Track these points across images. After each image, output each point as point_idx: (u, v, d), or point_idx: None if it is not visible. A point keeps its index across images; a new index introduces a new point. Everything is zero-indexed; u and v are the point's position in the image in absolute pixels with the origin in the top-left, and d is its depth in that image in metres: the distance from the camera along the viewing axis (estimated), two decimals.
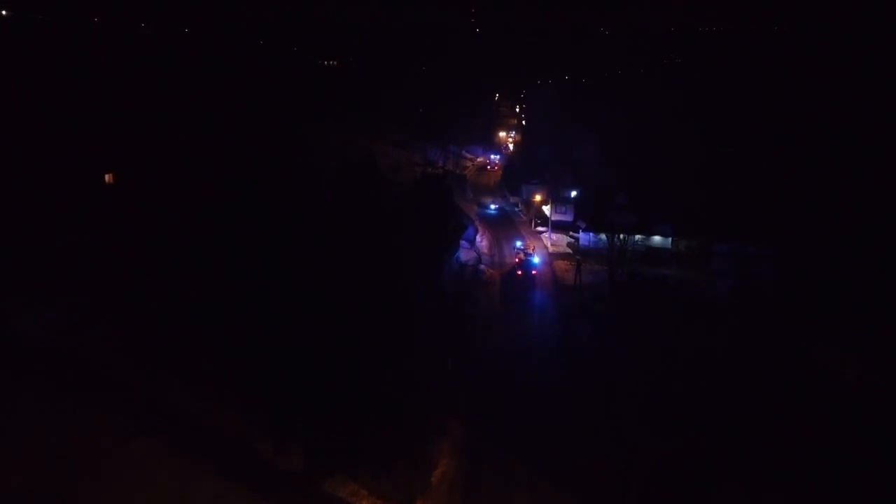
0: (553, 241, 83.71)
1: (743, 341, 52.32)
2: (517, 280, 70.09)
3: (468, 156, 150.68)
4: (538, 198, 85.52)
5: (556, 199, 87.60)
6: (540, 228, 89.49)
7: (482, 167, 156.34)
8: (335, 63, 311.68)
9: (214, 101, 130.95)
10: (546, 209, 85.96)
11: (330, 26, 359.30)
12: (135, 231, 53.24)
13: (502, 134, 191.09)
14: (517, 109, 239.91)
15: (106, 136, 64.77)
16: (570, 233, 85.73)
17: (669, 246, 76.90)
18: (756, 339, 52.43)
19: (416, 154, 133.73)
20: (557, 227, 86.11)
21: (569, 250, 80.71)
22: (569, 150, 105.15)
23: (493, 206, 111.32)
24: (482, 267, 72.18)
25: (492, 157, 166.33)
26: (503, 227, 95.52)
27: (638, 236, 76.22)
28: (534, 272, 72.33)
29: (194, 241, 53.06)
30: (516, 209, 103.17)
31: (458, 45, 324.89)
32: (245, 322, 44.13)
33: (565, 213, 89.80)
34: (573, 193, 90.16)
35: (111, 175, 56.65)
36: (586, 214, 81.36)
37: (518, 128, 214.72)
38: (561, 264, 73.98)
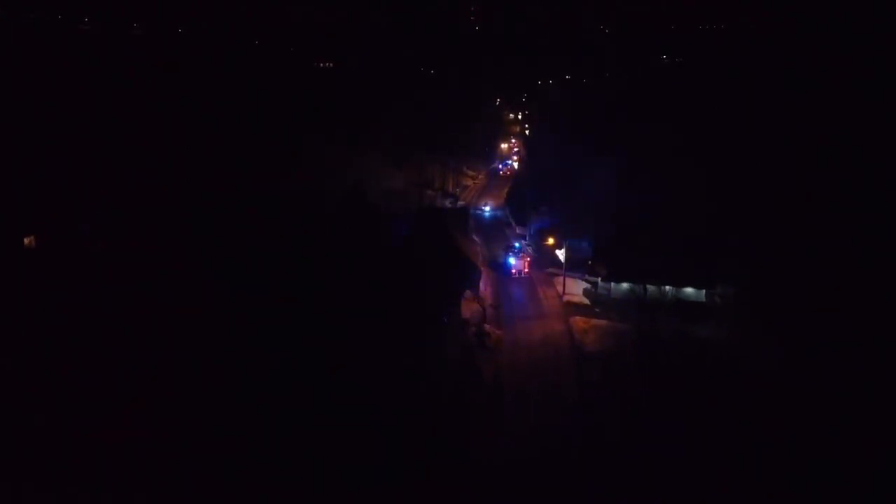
0: (567, 287, 73.18)
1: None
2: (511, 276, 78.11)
3: (469, 172, 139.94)
4: (550, 241, 75.14)
5: (569, 237, 77.03)
6: (551, 270, 79.08)
7: (494, 173, 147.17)
8: (331, 65, 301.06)
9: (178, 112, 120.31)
10: (560, 253, 75.47)
11: (325, 27, 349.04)
12: (59, 311, 43.36)
13: (504, 146, 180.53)
14: (519, 116, 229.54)
15: (24, 184, 54.84)
16: (587, 276, 75.33)
17: (703, 298, 66.56)
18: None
19: (412, 171, 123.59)
20: (572, 268, 75.65)
21: (585, 300, 70.24)
22: (580, 171, 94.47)
23: (487, 209, 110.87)
24: (487, 328, 61.75)
25: (508, 162, 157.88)
26: (498, 237, 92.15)
27: (668, 287, 65.91)
28: (526, 271, 78.38)
29: (129, 324, 43.25)
30: (524, 241, 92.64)
31: (456, 45, 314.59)
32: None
33: (580, 249, 79.54)
34: (589, 227, 79.97)
35: (32, 238, 46.21)
36: (605, 257, 70.98)
37: (521, 135, 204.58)
38: (579, 322, 63.48)
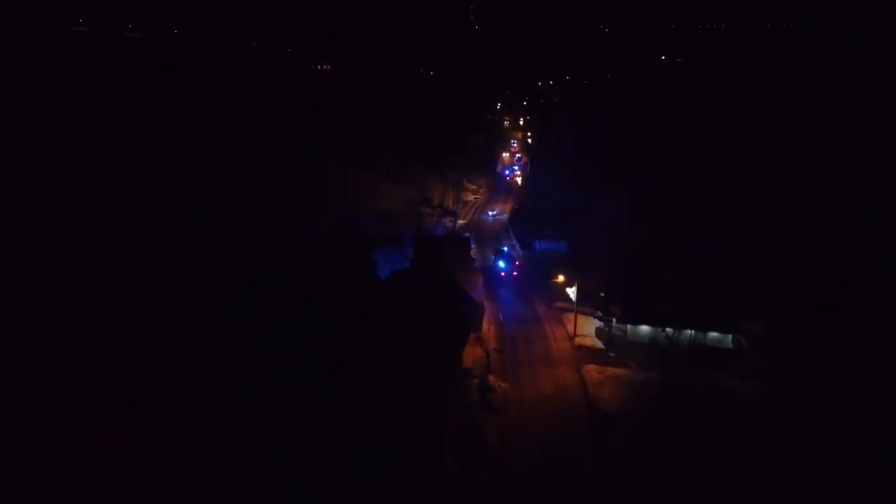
0: (578, 325, 67.12)
1: None
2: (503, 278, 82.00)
3: (470, 185, 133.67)
4: (560, 278, 69.12)
5: (579, 270, 71.02)
6: (560, 304, 73.14)
7: (499, 179, 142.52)
8: (328, 67, 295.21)
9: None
10: (571, 292, 69.52)
11: (322, 27, 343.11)
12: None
13: (506, 154, 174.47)
14: (521, 122, 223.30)
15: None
16: (599, 312, 69.31)
17: (730, 343, 60.58)
18: None
19: (410, 188, 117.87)
20: (581, 299, 69.61)
21: (598, 343, 64.16)
22: (589, 197, 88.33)
23: (491, 213, 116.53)
24: (491, 380, 55.71)
25: (514, 168, 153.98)
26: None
27: (690, 331, 59.99)
28: (514, 273, 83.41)
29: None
30: (513, 245, 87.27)
31: (456, 45, 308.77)
32: None
33: (590, 279, 73.59)
34: (599, 259, 73.94)
35: None
36: (620, 296, 64.91)
37: (523, 141, 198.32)
38: (593, 372, 57.45)
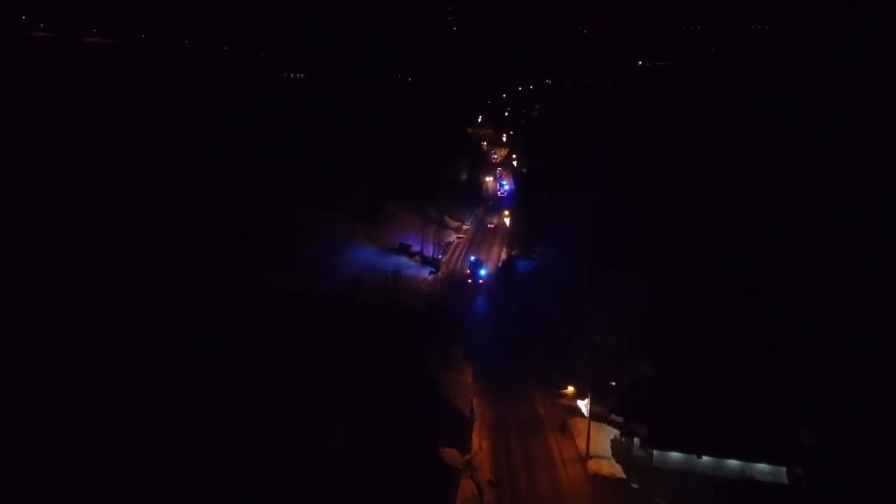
0: (591, 437, 54.54)
1: None
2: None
3: (453, 222, 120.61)
4: (570, 389, 56.62)
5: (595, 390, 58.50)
6: (566, 401, 60.69)
7: (491, 205, 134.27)
8: (301, 75, 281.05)
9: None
10: (582, 405, 57.17)
11: (294, 32, 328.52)
12: None
13: (489, 178, 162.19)
14: (504, 138, 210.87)
15: None
16: (613, 416, 56.97)
17: (784, 478, 48.60)
18: None
19: (386, 230, 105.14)
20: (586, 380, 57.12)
21: (617, 469, 51.18)
22: (595, 263, 75.98)
23: (490, 226, 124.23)
24: None
25: (503, 185, 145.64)
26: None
27: (735, 461, 48.03)
28: (480, 281, 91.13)
29: None
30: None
31: (434, 50, 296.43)
32: None
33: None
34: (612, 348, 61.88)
35: None
36: (644, 410, 52.59)
37: (507, 160, 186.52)
38: None
